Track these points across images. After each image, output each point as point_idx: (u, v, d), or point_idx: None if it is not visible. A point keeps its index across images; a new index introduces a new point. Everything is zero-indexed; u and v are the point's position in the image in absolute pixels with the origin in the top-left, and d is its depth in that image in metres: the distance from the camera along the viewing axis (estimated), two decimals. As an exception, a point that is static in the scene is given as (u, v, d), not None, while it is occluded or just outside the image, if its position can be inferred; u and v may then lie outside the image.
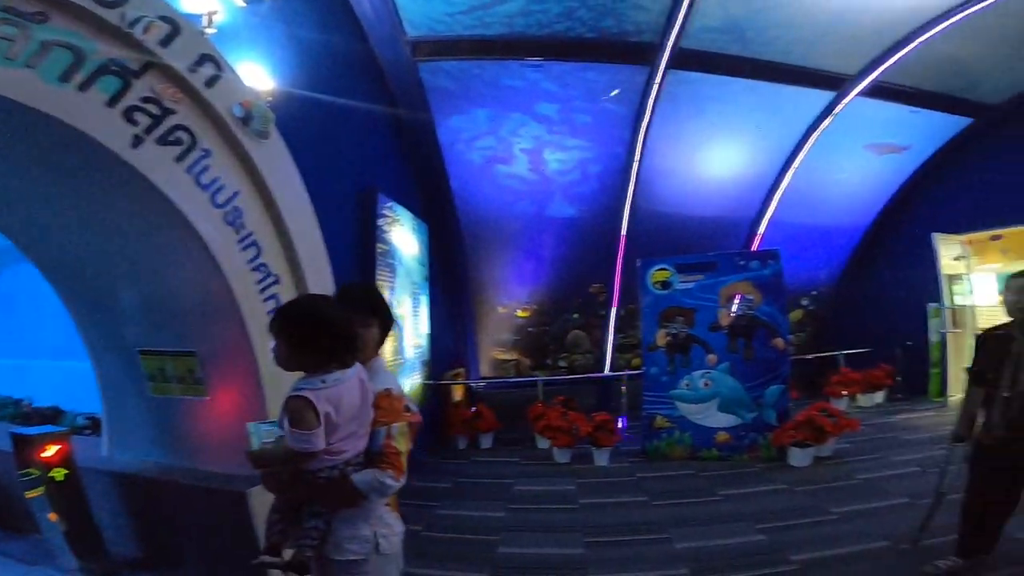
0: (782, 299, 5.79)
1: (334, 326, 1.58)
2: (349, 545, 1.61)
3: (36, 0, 2.01)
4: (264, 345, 2.78)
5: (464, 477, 5.62)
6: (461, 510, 4.61)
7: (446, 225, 7.39)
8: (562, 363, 8.26)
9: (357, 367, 1.63)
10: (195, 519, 3.14)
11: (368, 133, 5.29)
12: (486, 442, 6.86)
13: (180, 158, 2.61)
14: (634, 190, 7.52)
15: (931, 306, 8.00)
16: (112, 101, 2.32)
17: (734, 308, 5.70)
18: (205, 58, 2.65)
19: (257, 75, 3.43)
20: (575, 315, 8.23)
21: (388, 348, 4.78)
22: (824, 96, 7.29)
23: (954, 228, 8.22)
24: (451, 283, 7.88)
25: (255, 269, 3.02)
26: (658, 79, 6.44)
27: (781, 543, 3.48)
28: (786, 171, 8.16)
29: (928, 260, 8.04)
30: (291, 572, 1.55)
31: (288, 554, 1.60)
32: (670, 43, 6.06)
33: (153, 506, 3.29)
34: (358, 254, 4.64)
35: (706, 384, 5.74)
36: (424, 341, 6.18)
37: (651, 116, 6.79)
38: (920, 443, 5.65)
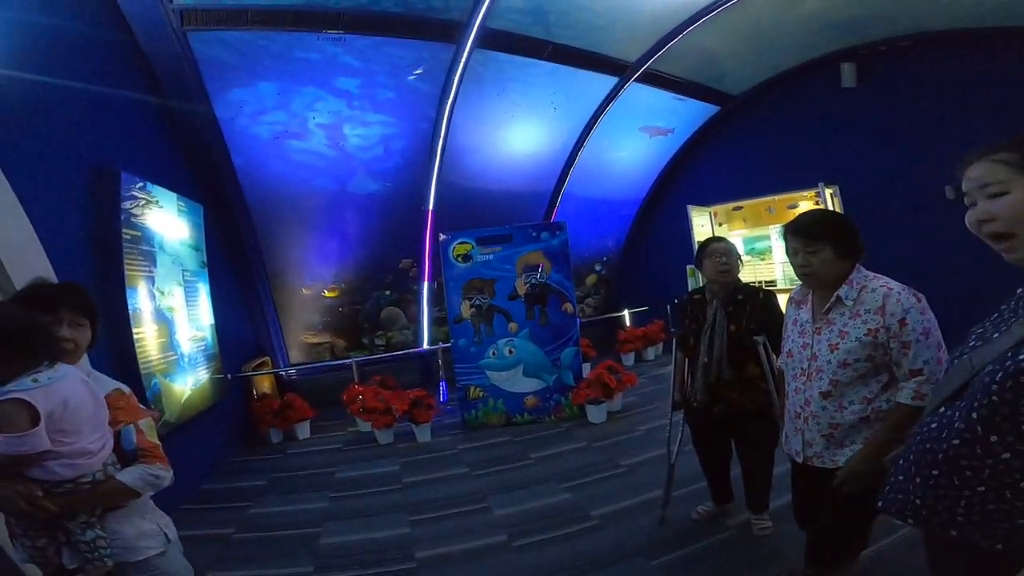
0: (568, 267, 6.24)
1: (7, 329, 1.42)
2: (141, 543, 1.61)
3: None
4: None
5: (280, 472, 5.32)
6: (278, 506, 4.41)
7: (229, 205, 6.61)
8: (379, 341, 8.10)
9: (73, 368, 1.54)
10: None
11: (106, 109, 4.38)
12: (303, 432, 6.53)
13: None
14: (440, 165, 7.49)
15: (689, 267, 9.56)
16: None
17: (538, 277, 6.09)
18: None
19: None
20: (387, 292, 8.04)
21: (155, 344, 4.28)
22: (609, 81, 7.91)
23: (704, 201, 9.86)
24: (241, 268, 7.13)
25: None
26: (464, 58, 6.41)
27: (582, 499, 3.83)
28: (578, 149, 8.81)
29: (686, 228, 9.56)
30: None
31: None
32: (477, 22, 6.04)
33: None
34: (98, 242, 3.89)
35: (510, 351, 6.08)
36: (208, 333, 5.58)
37: (456, 94, 6.78)
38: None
